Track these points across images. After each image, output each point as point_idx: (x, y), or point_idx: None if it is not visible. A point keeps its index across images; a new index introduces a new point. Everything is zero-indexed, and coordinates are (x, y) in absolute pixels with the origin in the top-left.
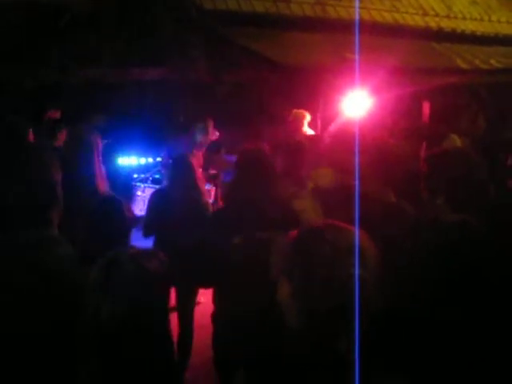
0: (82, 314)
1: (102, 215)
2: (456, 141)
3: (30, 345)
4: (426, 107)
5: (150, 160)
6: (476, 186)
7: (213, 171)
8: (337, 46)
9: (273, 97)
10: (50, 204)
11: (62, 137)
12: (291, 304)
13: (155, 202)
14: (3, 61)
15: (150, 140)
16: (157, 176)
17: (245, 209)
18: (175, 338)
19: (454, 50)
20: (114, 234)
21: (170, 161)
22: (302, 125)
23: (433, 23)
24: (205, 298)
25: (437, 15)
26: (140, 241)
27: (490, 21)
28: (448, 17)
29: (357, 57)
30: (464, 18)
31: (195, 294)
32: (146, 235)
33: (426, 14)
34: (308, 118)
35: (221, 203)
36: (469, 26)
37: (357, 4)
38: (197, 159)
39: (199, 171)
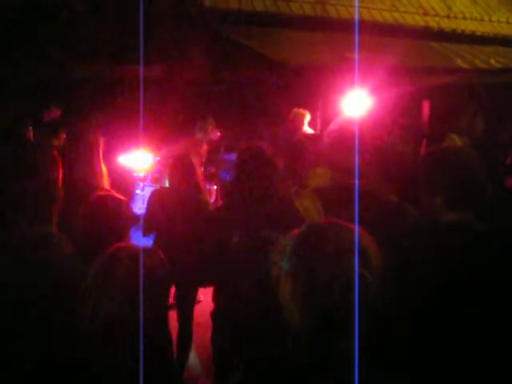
0: (81, 311)
1: (101, 213)
2: (456, 140)
3: (31, 339)
4: (426, 107)
5: (150, 158)
6: (475, 185)
7: (212, 170)
8: (337, 45)
9: (272, 96)
10: (49, 202)
11: (63, 136)
12: (293, 303)
13: (155, 200)
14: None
15: (150, 138)
16: (156, 175)
17: (245, 207)
18: (174, 336)
19: (453, 49)
20: (114, 232)
21: (170, 159)
22: (302, 124)
23: (433, 23)
24: (204, 296)
25: (437, 15)
26: (140, 239)
27: (490, 21)
28: (448, 17)
29: (357, 56)
30: (464, 18)
31: (195, 292)
32: (146, 234)
33: (426, 13)
34: (308, 117)
35: (221, 202)
36: (469, 26)
37: (357, 3)
38: (199, 157)
39: (199, 170)
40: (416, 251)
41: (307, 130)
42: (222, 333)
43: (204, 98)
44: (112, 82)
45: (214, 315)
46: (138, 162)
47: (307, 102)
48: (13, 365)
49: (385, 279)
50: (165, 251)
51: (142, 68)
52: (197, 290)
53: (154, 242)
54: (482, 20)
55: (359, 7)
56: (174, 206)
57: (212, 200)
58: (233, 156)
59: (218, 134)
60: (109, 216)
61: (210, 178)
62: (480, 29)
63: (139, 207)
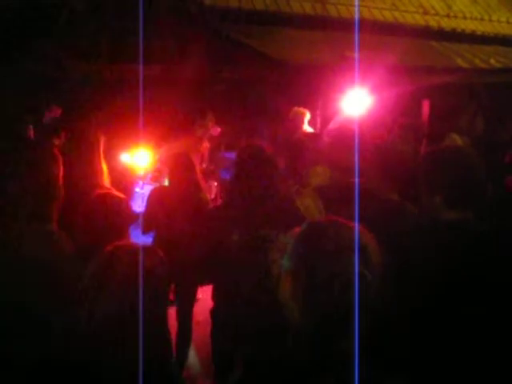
0: (78, 310)
1: (101, 211)
2: (456, 140)
3: (30, 339)
4: (426, 106)
5: (150, 157)
6: (474, 184)
7: (211, 167)
8: (337, 44)
9: (272, 94)
10: (50, 199)
11: (63, 135)
12: (293, 301)
13: (154, 199)
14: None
15: (150, 136)
16: (156, 173)
17: (245, 206)
18: (173, 335)
19: (453, 49)
20: (113, 230)
21: (170, 157)
22: (302, 123)
23: (433, 22)
24: (203, 294)
25: (437, 14)
26: (139, 238)
27: (490, 20)
28: (448, 16)
29: (357, 55)
30: (464, 18)
31: (195, 290)
32: (145, 232)
33: (426, 12)
34: (308, 115)
35: (220, 200)
36: (469, 26)
37: (357, 2)
38: (199, 154)
39: (199, 168)
40: (416, 250)
41: (307, 128)
42: (222, 331)
43: (204, 97)
44: (112, 80)
45: (214, 313)
46: (138, 160)
47: (307, 101)
48: (11, 365)
49: (385, 277)
50: (164, 249)
51: (141, 66)
52: (196, 288)
53: (154, 240)
54: (482, 19)
55: (359, 6)
56: (174, 204)
57: (212, 196)
58: (233, 154)
59: (219, 129)
60: (108, 214)
61: (209, 174)
62: (480, 28)
63: (139, 205)
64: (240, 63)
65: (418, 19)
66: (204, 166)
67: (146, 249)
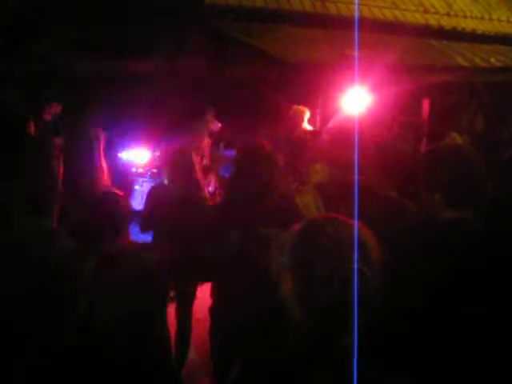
0: (77, 306)
1: (100, 209)
2: (457, 138)
3: (24, 332)
4: (426, 105)
5: (149, 154)
6: (474, 183)
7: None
8: (337, 42)
9: (272, 92)
10: (50, 196)
11: (64, 132)
12: (293, 299)
13: (153, 196)
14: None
15: (149, 134)
16: (155, 170)
17: (244, 204)
18: (173, 333)
19: (454, 47)
20: (112, 228)
21: (169, 155)
22: (301, 121)
23: (433, 21)
24: (203, 292)
25: (437, 13)
26: (139, 235)
27: (490, 19)
28: (448, 15)
29: (356, 53)
30: (464, 16)
31: (194, 288)
32: (143, 231)
33: (426, 11)
34: (308, 114)
35: (219, 196)
36: (469, 25)
37: (357, 1)
38: (200, 151)
39: (198, 165)
40: (415, 248)
41: (307, 126)
42: (221, 329)
43: (204, 95)
44: (112, 77)
45: (213, 311)
46: (138, 157)
47: (307, 99)
48: (10, 363)
49: (384, 275)
50: (163, 247)
51: (141, 64)
52: (196, 286)
53: (153, 238)
54: (482, 18)
55: (359, 4)
56: (173, 202)
57: (211, 189)
58: (232, 152)
59: (219, 125)
60: (107, 212)
61: (209, 170)
62: (480, 27)
63: (138, 203)
64: (240, 61)
65: (418, 18)
66: (205, 162)
67: (143, 248)
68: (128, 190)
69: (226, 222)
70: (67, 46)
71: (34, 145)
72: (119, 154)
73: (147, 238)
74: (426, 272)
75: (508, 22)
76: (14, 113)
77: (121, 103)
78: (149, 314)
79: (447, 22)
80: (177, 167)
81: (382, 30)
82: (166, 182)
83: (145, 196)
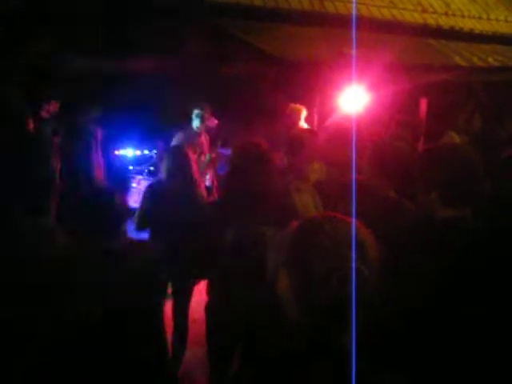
0: (76, 305)
1: (94, 206)
2: (455, 138)
3: (24, 332)
4: (424, 104)
5: (146, 152)
6: (472, 182)
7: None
8: (335, 41)
9: (270, 90)
10: (47, 193)
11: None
12: (290, 297)
13: (150, 195)
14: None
15: (146, 132)
16: (152, 168)
17: (241, 202)
18: (170, 332)
19: (452, 47)
20: (107, 226)
21: (166, 152)
22: (299, 119)
23: (431, 20)
24: (200, 292)
25: (435, 12)
26: (134, 233)
27: (488, 19)
28: (446, 14)
29: (354, 52)
30: (462, 16)
31: (191, 286)
32: (139, 229)
33: (424, 10)
34: (304, 112)
35: (216, 194)
36: (467, 24)
37: None
38: (198, 147)
39: (195, 163)
40: (413, 247)
41: (303, 125)
42: (217, 327)
43: (201, 92)
44: (110, 76)
45: (209, 309)
46: (135, 155)
47: (305, 97)
48: (9, 362)
49: (382, 273)
50: (160, 245)
51: (140, 62)
52: (193, 284)
53: (149, 236)
54: (480, 18)
55: (357, 3)
56: (169, 200)
57: (208, 183)
58: (229, 150)
59: (216, 121)
60: (105, 209)
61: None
62: (478, 27)
63: (135, 200)
64: (238, 59)
65: (416, 17)
66: (203, 158)
67: (140, 246)
68: (124, 187)
69: (222, 219)
70: (67, 46)
71: (32, 143)
72: (116, 152)
73: (143, 236)
74: (424, 271)
75: (506, 21)
76: (13, 111)
77: (119, 101)
78: (147, 312)
79: (445, 22)
80: (173, 164)
81: (380, 28)
82: (162, 179)
83: (141, 194)
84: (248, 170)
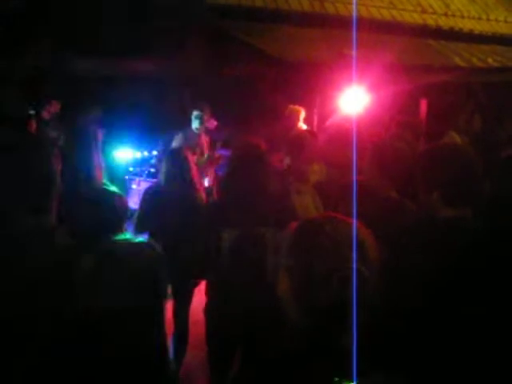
0: (73, 304)
1: (94, 206)
2: (455, 138)
3: (24, 332)
4: (424, 104)
5: (146, 153)
6: (472, 182)
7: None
8: (335, 42)
9: (270, 91)
10: (48, 193)
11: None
12: (291, 298)
13: (149, 197)
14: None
15: (146, 133)
16: (152, 170)
17: (240, 203)
18: (170, 333)
19: (451, 47)
20: (109, 226)
21: (165, 155)
22: (298, 120)
23: (431, 21)
24: (199, 294)
25: (435, 13)
26: (134, 235)
27: (487, 19)
28: (446, 15)
29: (354, 53)
30: (462, 17)
31: (192, 288)
32: (138, 231)
33: (424, 11)
34: (303, 113)
35: (215, 194)
36: (467, 25)
37: (355, 0)
38: (198, 148)
39: (194, 165)
40: (414, 247)
41: (302, 126)
42: (216, 329)
43: (202, 93)
44: (111, 76)
45: (207, 311)
46: (135, 156)
47: (305, 98)
48: (9, 362)
49: (383, 274)
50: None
51: (141, 63)
52: (193, 285)
53: (148, 237)
54: (479, 18)
55: (357, 4)
56: (168, 203)
57: (207, 184)
58: (229, 152)
59: (215, 123)
60: (105, 210)
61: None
62: (478, 27)
63: (135, 202)
64: (238, 60)
65: (415, 18)
66: (203, 159)
67: (141, 244)
68: (124, 188)
69: (221, 220)
70: (67, 46)
71: (33, 143)
72: (117, 153)
73: (145, 236)
74: (425, 271)
75: (505, 22)
76: (13, 111)
77: (119, 102)
78: (148, 312)
79: (445, 22)
80: (173, 167)
81: (380, 29)
82: (161, 182)
83: (141, 195)
84: (247, 170)
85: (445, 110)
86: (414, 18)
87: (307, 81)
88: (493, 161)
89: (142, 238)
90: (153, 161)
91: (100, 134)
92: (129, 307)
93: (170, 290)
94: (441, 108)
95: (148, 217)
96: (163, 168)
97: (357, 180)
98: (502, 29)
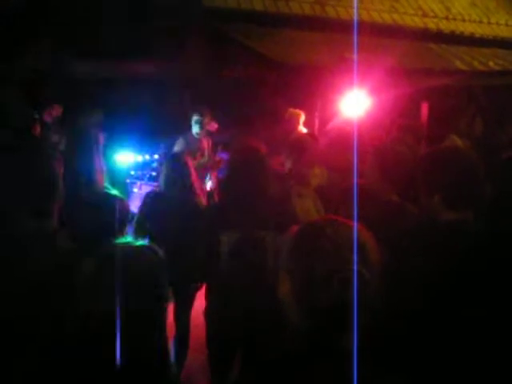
0: (74, 308)
1: (95, 210)
2: (457, 141)
3: (25, 333)
4: (425, 108)
5: (147, 157)
6: (473, 184)
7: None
8: (336, 45)
9: (271, 95)
10: (50, 196)
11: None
12: (292, 300)
13: (149, 202)
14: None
15: (147, 136)
16: (154, 173)
17: (240, 207)
18: (171, 336)
19: (452, 51)
20: (108, 229)
21: (165, 160)
22: (298, 124)
23: (432, 24)
24: (200, 297)
25: (436, 16)
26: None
27: (488, 23)
28: (447, 18)
29: (355, 57)
30: (463, 20)
31: (193, 291)
32: (137, 235)
33: (425, 15)
34: (303, 117)
35: (216, 197)
36: (468, 28)
37: (356, 4)
38: (199, 153)
39: (194, 170)
40: (415, 249)
41: (302, 129)
42: (216, 332)
43: (202, 96)
44: (112, 78)
45: (207, 314)
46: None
47: (306, 102)
48: (9, 363)
49: (384, 276)
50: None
51: (141, 65)
52: (194, 289)
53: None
54: (480, 22)
55: (358, 8)
56: (168, 208)
57: (209, 187)
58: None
59: (216, 125)
60: (106, 213)
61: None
62: (479, 31)
63: (136, 206)
64: (239, 64)
65: (416, 21)
66: (204, 161)
67: (142, 247)
68: (125, 192)
69: (222, 223)
70: (67, 47)
71: (35, 146)
72: (118, 156)
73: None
74: (426, 273)
75: (506, 25)
76: (15, 113)
77: (120, 106)
78: (149, 316)
79: (446, 26)
80: (172, 172)
81: (381, 33)
82: (161, 188)
83: (140, 202)
84: (246, 173)
85: (446, 114)
86: (415, 21)
87: (308, 84)
88: (494, 164)
89: (142, 242)
90: (154, 164)
91: (101, 138)
92: (129, 310)
93: (170, 293)
94: (442, 111)
95: (148, 221)
96: (163, 173)
97: (358, 183)
98: (503, 32)
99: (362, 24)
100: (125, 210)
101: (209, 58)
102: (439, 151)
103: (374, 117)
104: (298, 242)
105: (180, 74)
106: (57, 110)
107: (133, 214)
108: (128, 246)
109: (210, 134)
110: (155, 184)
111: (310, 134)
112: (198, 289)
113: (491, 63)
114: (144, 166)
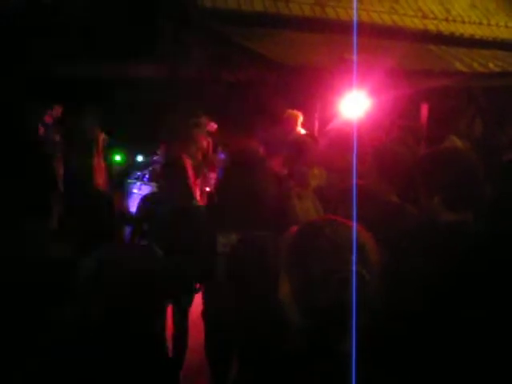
0: (71, 309)
1: (93, 209)
2: (456, 142)
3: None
4: (425, 109)
5: (147, 157)
6: (473, 185)
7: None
8: (336, 46)
9: (270, 96)
10: (49, 196)
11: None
12: (291, 301)
13: (148, 204)
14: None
15: (147, 137)
16: (153, 174)
17: (236, 206)
18: (170, 335)
19: (452, 53)
20: (107, 229)
21: (164, 162)
22: (296, 125)
23: (431, 26)
24: (198, 296)
25: (436, 18)
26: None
27: (488, 25)
28: (447, 20)
29: (355, 58)
30: (463, 22)
31: (191, 291)
32: (134, 239)
33: (424, 16)
34: (301, 118)
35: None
36: (467, 30)
37: (356, 5)
38: (199, 152)
39: (192, 172)
40: (415, 250)
41: (300, 130)
42: (215, 332)
43: (203, 98)
44: (112, 79)
45: (205, 314)
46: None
47: (306, 103)
48: (9, 363)
49: (384, 277)
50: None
51: (142, 67)
52: (193, 290)
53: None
54: (480, 23)
55: (358, 9)
56: (166, 210)
57: (208, 188)
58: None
59: (215, 126)
60: (102, 212)
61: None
62: (479, 32)
63: (135, 206)
64: (239, 65)
65: (416, 23)
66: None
67: (142, 248)
68: (124, 192)
69: (220, 224)
70: (67, 47)
71: (35, 146)
72: (118, 157)
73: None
74: (426, 274)
75: (506, 27)
76: (15, 114)
77: (120, 106)
78: (147, 316)
79: (445, 28)
80: (170, 174)
81: (381, 34)
82: (158, 191)
83: (137, 205)
84: (244, 174)
85: (446, 115)
86: (414, 23)
87: (308, 85)
88: (494, 165)
89: (141, 242)
90: (154, 165)
91: (101, 138)
92: (129, 308)
93: (170, 293)
94: (442, 112)
95: (146, 222)
96: (161, 175)
97: (357, 184)
98: (502, 34)
99: (361, 25)
100: (124, 210)
101: (209, 59)
102: (439, 152)
103: (374, 118)
104: (297, 242)
105: (179, 75)
106: (57, 111)
107: (132, 215)
108: (127, 247)
109: (209, 134)
110: (155, 184)
111: (309, 135)
112: (196, 290)
113: (491, 65)
114: (144, 166)
